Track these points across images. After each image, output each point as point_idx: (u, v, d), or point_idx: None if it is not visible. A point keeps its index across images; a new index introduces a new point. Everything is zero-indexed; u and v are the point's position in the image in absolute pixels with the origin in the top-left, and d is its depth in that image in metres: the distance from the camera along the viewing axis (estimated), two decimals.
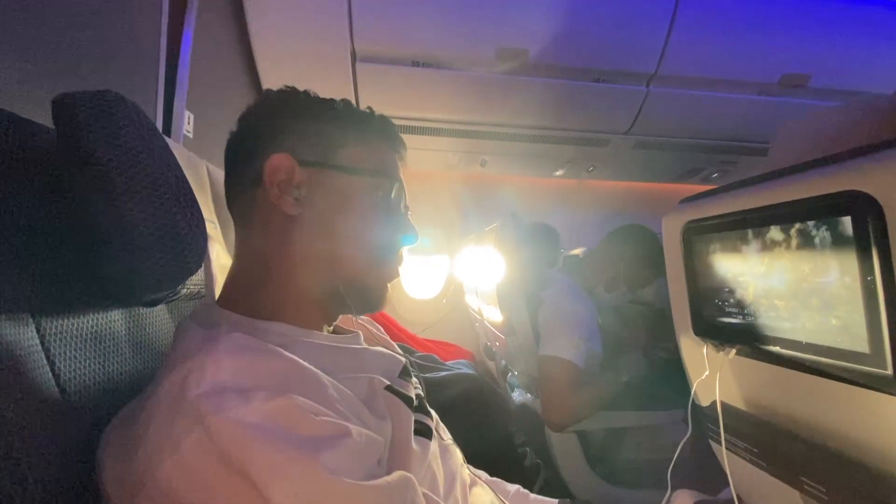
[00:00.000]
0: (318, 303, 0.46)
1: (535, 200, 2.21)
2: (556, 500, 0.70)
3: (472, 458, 0.69)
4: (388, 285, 0.51)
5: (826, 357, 0.45)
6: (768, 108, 1.52)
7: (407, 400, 0.47)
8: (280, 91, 0.49)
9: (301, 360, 0.36)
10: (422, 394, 0.54)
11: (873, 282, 0.39)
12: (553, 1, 1.23)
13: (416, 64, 1.36)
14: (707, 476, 0.77)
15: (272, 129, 0.46)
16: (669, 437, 1.24)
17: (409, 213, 0.53)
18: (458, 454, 0.58)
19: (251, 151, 0.46)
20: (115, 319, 0.41)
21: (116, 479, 0.32)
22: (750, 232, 0.54)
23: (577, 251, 1.59)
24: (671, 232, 0.68)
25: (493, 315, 1.42)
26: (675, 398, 1.23)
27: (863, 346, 0.41)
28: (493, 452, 1.12)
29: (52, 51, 0.59)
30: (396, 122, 0.53)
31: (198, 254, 0.39)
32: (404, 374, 0.52)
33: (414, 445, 0.44)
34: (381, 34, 1.29)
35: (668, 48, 1.35)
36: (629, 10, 1.27)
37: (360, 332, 0.54)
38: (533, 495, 0.68)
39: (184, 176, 0.39)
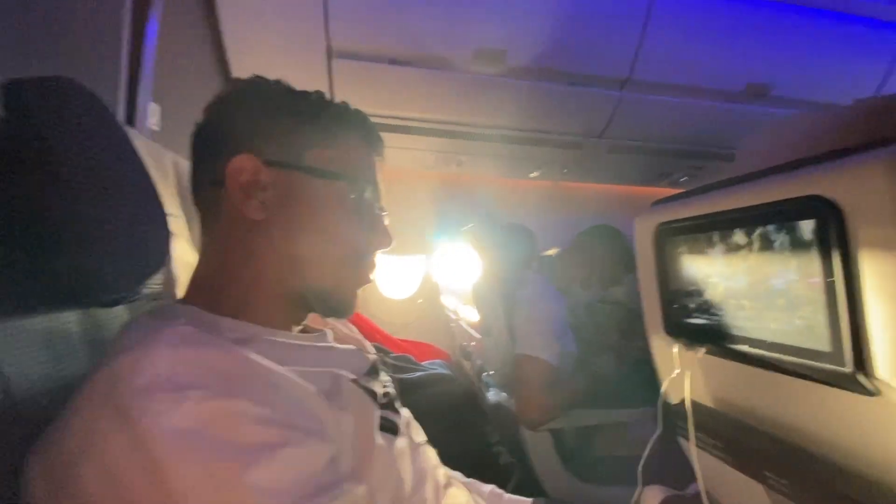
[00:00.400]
0: (284, 305, 0.45)
1: (512, 202, 2.22)
2: (531, 500, 0.70)
3: (447, 458, 0.68)
4: (358, 291, 0.49)
5: (790, 355, 0.47)
6: (734, 115, 1.58)
7: (372, 395, 0.46)
8: (249, 82, 0.46)
9: (254, 357, 0.35)
10: (392, 392, 0.53)
11: (834, 283, 0.41)
12: (531, 3, 1.24)
13: (393, 62, 1.35)
14: (676, 472, 0.79)
15: (237, 125, 0.44)
16: (640, 434, 1.27)
17: (385, 214, 0.52)
18: (431, 455, 0.57)
19: (215, 148, 0.43)
20: (69, 321, 0.38)
21: (39, 477, 0.30)
22: (718, 234, 0.55)
23: (552, 252, 1.61)
24: (643, 233, 0.69)
25: (469, 315, 1.42)
26: (646, 396, 1.25)
27: (824, 344, 0.42)
28: (467, 452, 1.12)
29: (4, 35, 0.55)
30: (373, 120, 0.51)
31: (160, 251, 0.37)
32: (372, 372, 0.50)
33: (379, 440, 0.43)
34: (359, 30, 1.27)
35: (640, 54, 1.38)
36: (604, 15, 1.29)
37: (329, 331, 0.53)
38: (507, 495, 0.69)
39: (144, 168, 0.36)
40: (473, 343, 1.53)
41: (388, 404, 0.50)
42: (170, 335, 0.32)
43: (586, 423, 1.24)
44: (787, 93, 1.52)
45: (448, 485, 0.55)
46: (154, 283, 0.38)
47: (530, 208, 2.24)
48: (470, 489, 0.63)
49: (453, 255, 1.60)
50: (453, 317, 1.79)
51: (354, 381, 0.44)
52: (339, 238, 0.44)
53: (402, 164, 1.97)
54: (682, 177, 2.09)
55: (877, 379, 0.39)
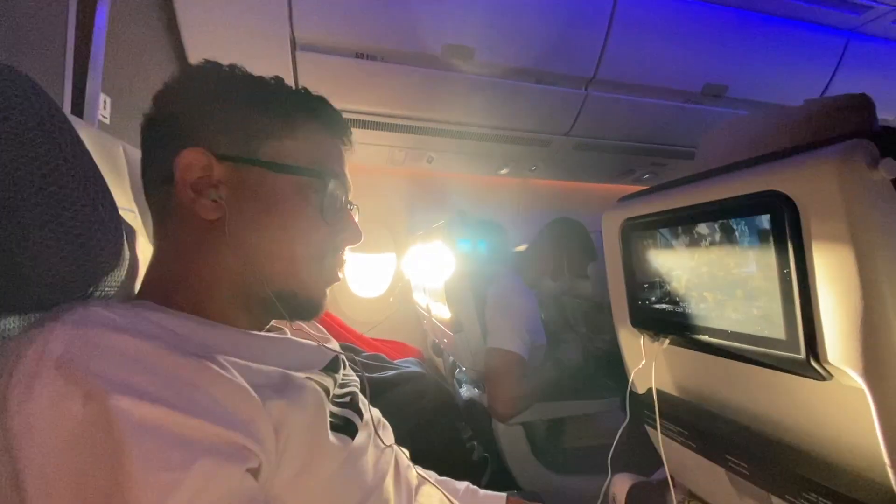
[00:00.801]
0: (244, 309, 0.42)
1: (482, 198, 2.24)
2: (504, 494, 0.71)
3: (421, 455, 0.68)
4: (328, 290, 0.46)
5: (748, 344, 0.49)
6: (693, 114, 1.64)
7: (325, 391, 0.43)
8: (200, 68, 0.43)
9: (168, 349, 0.30)
10: (356, 391, 0.51)
11: (789, 274, 0.43)
12: (499, 1, 1.25)
13: (360, 56, 1.32)
14: (642, 459, 0.81)
15: (188, 116, 0.40)
16: (607, 424, 1.31)
17: (354, 208, 0.49)
18: (402, 457, 0.56)
19: (164, 141, 0.40)
20: (11, 327, 0.35)
21: None
22: (681, 228, 0.57)
23: (523, 248, 1.63)
24: (610, 228, 0.71)
25: (441, 312, 1.42)
26: (612, 387, 1.30)
27: (780, 333, 0.45)
28: (441, 448, 1.13)
29: None
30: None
31: (112, 250, 0.34)
32: (331, 368, 0.47)
33: (331, 439, 0.40)
34: (323, 22, 1.24)
35: (604, 54, 1.41)
36: (569, 14, 1.31)
37: (287, 329, 0.51)
38: (482, 492, 0.69)
39: (91, 160, 0.34)
40: (446, 340, 1.53)
41: (348, 403, 0.47)
42: (76, 315, 0.29)
43: (556, 415, 1.26)
44: (742, 94, 1.60)
45: (421, 485, 0.55)
46: (109, 284, 0.36)
47: (502, 205, 2.26)
48: (444, 488, 0.63)
49: (425, 252, 1.59)
50: (425, 314, 1.78)
51: (307, 377, 0.41)
52: (301, 236, 0.42)
53: (371, 160, 1.94)
54: (646, 174, 2.16)
55: (828, 364, 0.41)
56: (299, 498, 0.35)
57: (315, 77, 1.35)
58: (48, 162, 0.30)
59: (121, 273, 0.37)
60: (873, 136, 0.39)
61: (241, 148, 0.40)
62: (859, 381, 0.39)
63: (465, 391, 1.45)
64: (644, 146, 1.87)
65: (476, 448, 1.20)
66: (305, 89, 0.46)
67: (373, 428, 0.50)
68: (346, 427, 0.44)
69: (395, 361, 1.46)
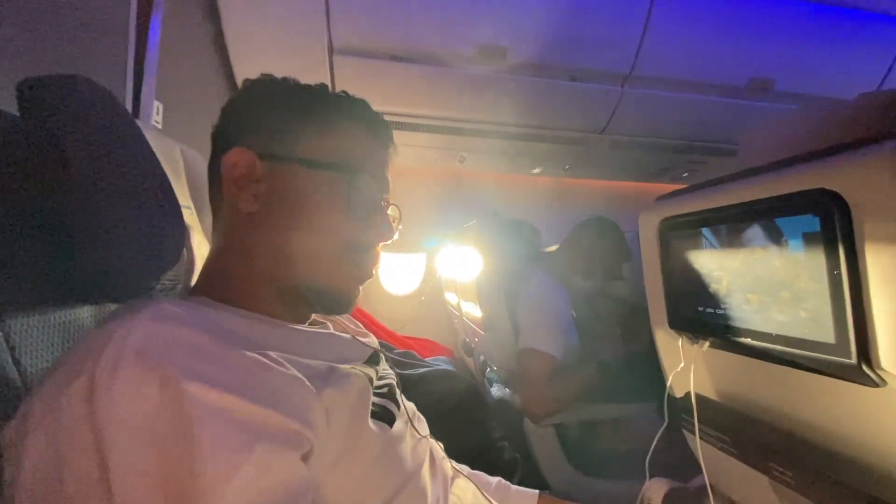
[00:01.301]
0: (283, 301, 0.44)
1: (515, 198, 2.23)
2: (536, 491, 0.71)
3: (452, 453, 0.69)
4: (360, 287, 0.47)
5: (795, 348, 0.47)
6: (735, 110, 1.58)
7: (369, 380, 0.45)
8: (256, 80, 0.47)
9: (235, 340, 0.33)
10: (393, 383, 0.53)
11: (840, 276, 0.41)
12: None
13: (395, 58, 1.35)
14: (680, 464, 0.79)
15: (240, 122, 0.45)
16: (642, 428, 1.28)
17: (391, 206, 0.51)
18: (436, 448, 0.57)
19: (221, 144, 0.44)
20: (84, 316, 0.39)
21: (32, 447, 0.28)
22: (723, 228, 0.56)
23: (554, 248, 1.62)
24: (648, 228, 0.70)
25: (473, 311, 1.43)
26: (648, 390, 1.26)
27: (829, 336, 0.43)
28: (472, 447, 1.13)
29: (15, 37, 0.55)
30: None
31: (175, 247, 0.37)
32: (371, 361, 0.49)
33: (371, 426, 0.42)
34: (359, 27, 1.27)
35: (642, 49, 1.38)
36: (606, 10, 1.29)
37: (330, 324, 0.53)
38: (514, 487, 0.69)
39: (159, 163, 0.37)
40: (477, 339, 1.53)
41: (386, 394, 0.49)
42: (151, 311, 0.31)
43: (589, 417, 1.24)
44: (789, 87, 1.52)
45: (455, 476, 0.56)
46: (168, 278, 0.39)
47: (534, 204, 2.24)
48: (477, 481, 0.63)
49: (457, 251, 1.60)
50: (456, 313, 1.80)
51: (352, 367, 0.44)
52: (331, 231, 0.43)
53: (404, 160, 1.97)
54: (684, 172, 2.09)
55: (881, 370, 0.40)
56: (340, 484, 0.37)
57: (351, 80, 1.38)
58: (122, 162, 0.33)
59: (181, 268, 0.39)
60: None
61: (280, 147, 0.43)
62: None
63: (496, 390, 1.46)
64: (683, 143, 1.81)
65: (507, 448, 1.20)
66: (345, 93, 0.48)
67: (408, 417, 0.51)
68: (384, 415, 0.46)
69: (426, 359, 1.47)
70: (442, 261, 1.95)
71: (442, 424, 1.12)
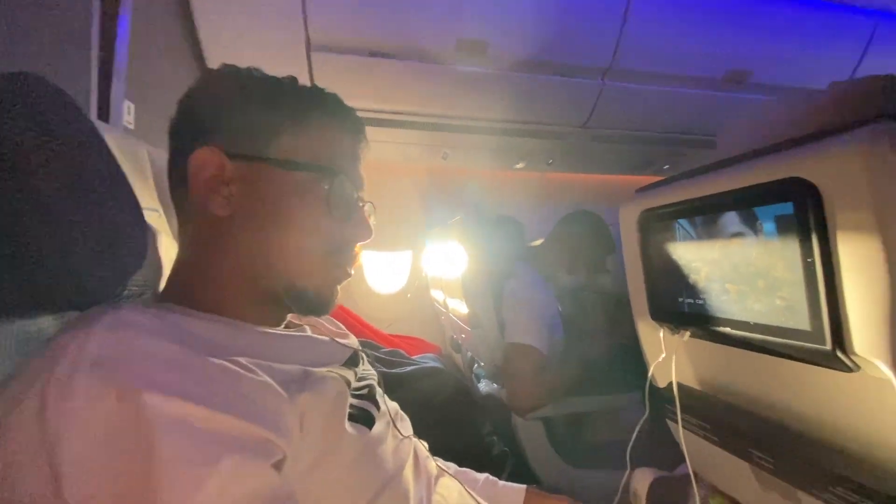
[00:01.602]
0: (259, 304, 0.43)
1: (500, 193, 2.23)
2: (524, 486, 0.71)
3: (441, 450, 0.69)
4: (338, 287, 0.46)
5: (772, 336, 0.48)
6: (714, 102, 1.59)
7: (346, 383, 0.44)
8: (218, 71, 0.44)
9: (193, 350, 0.31)
10: (373, 384, 0.52)
11: (813, 263, 0.42)
12: None
13: (374, 54, 1.33)
14: (664, 453, 0.80)
15: (204, 117, 0.42)
16: (630, 419, 1.29)
17: (366, 204, 0.49)
18: (420, 448, 0.57)
19: (183, 142, 0.42)
20: (45, 325, 0.37)
21: None
22: (701, 219, 0.56)
23: (539, 242, 1.62)
24: (628, 220, 0.70)
25: (459, 308, 1.43)
26: (634, 382, 1.28)
27: (804, 323, 0.43)
28: (460, 443, 1.13)
29: None
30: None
31: (136, 249, 0.35)
32: (350, 362, 0.48)
33: (349, 429, 0.41)
34: (337, 22, 1.25)
35: (620, 43, 1.39)
36: (583, 4, 1.29)
37: (307, 327, 0.51)
38: (502, 483, 0.69)
39: (117, 163, 0.35)
40: (464, 336, 1.53)
41: (366, 395, 0.48)
42: (108, 319, 0.30)
43: (576, 410, 1.25)
44: (766, 79, 1.55)
45: (440, 476, 0.55)
46: (134, 284, 0.37)
47: (518, 199, 2.24)
48: (464, 478, 0.63)
49: (442, 248, 1.60)
50: (443, 310, 1.79)
51: (328, 370, 0.42)
52: (310, 232, 0.42)
53: (386, 157, 1.95)
54: (665, 164, 2.11)
55: (855, 355, 0.40)
56: (317, 489, 0.36)
57: (330, 77, 1.36)
58: (77, 165, 0.31)
59: (145, 272, 0.38)
60: None
61: (251, 146, 0.41)
62: (888, 373, 0.38)
63: (484, 386, 1.46)
64: (663, 136, 1.83)
65: (496, 443, 1.20)
66: (317, 87, 0.46)
67: (390, 418, 0.50)
68: (363, 417, 0.45)
69: (413, 357, 1.47)
70: (428, 258, 1.95)
71: (430, 421, 1.12)
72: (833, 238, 0.40)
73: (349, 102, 0.48)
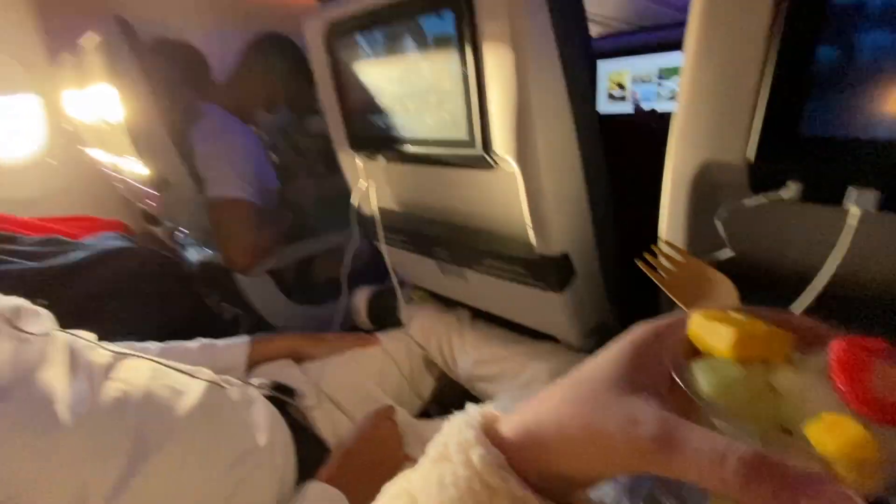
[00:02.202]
0: None
1: (159, 10, 1.66)
2: (248, 337, 0.70)
3: (167, 335, 0.63)
4: None
5: (442, 148, 0.54)
6: None
7: None
8: None
9: None
10: None
11: (467, 74, 0.46)
12: None
13: None
14: (381, 272, 0.91)
15: None
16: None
17: None
18: (77, 341, 0.45)
19: None
20: None
21: None
22: (380, 35, 0.54)
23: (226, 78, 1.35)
24: (314, 38, 0.62)
25: (136, 169, 1.12)
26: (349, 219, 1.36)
27: (464, 133, 0.50)
28: (186, 320, 1.02)
29: None
30: None
31: None
32: None
33: None
34: None
35: None
36: None
37: None
38: (221, 342, 0.66)
39: None
40: (153, 203, 1.25)
41: None
42: None
43: (300, 255, 1.26)
44: None
45: (118, 360, 0.45)
46: None
47: (190, 20, 1.73)
48: (172, 353, 0.56)
49: (84, 86, 1.14)
50: (115, 174, 1.39)
51: None
52: None
53: None
54: None
55: (496, 154, 0.49)
56: None
57: None
58: None
59: None
60: None
61: None
62: (514, 166, 0.48)
63: (195, 254, 1.28)
64: None
65: (226, 308, 1.14)
66: None
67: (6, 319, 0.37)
68: None
69: (82, 240, 1.13)
70: (71, 104, 1.39)
71: (134, 304, 0.94)
72: (480, 48, 0.44)
73: None
